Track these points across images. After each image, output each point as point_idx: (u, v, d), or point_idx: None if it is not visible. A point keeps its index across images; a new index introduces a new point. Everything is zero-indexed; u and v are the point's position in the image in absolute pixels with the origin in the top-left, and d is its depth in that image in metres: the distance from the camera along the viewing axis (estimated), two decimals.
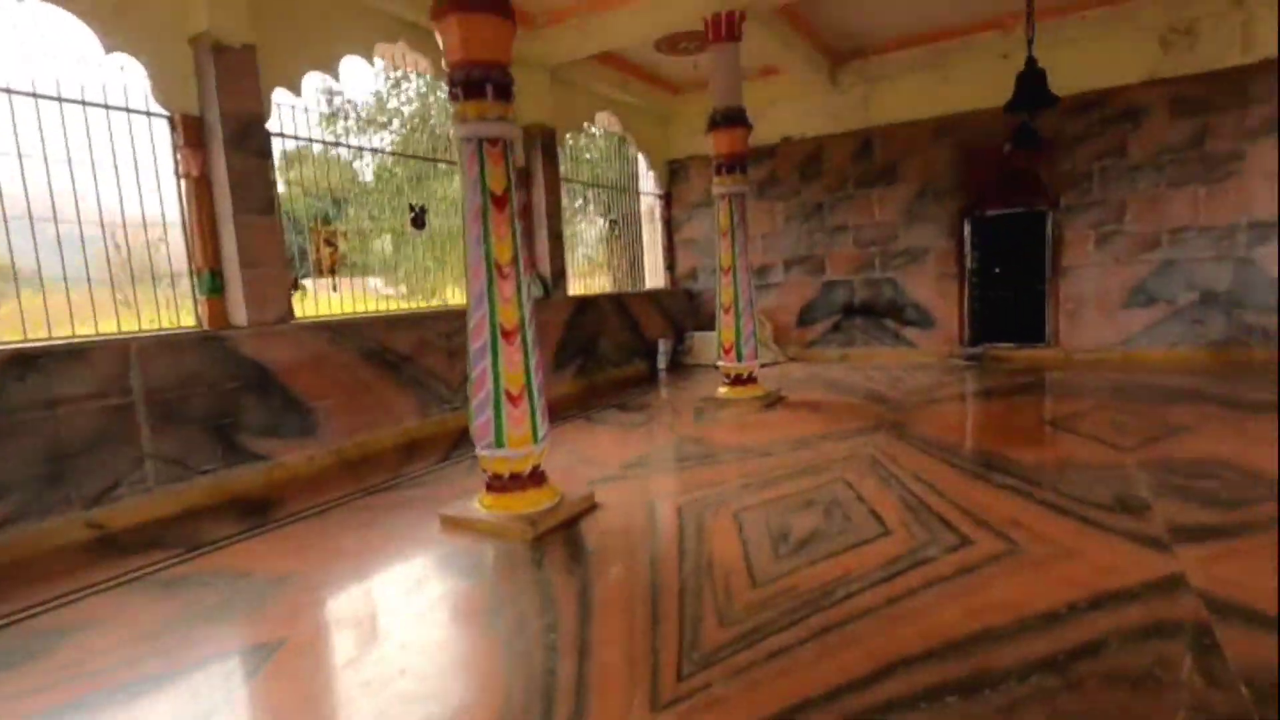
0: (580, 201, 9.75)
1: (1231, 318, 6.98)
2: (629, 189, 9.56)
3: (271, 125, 4.75)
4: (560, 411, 6.41)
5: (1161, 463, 3.78)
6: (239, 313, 4.46)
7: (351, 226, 6.45)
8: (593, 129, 8.76)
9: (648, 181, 9.85)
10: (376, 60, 5.64)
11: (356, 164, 7.39)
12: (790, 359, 9.17)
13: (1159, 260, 7.22)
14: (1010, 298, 8.17)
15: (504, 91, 3.29)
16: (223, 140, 4.29)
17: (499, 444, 3.39)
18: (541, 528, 3.32)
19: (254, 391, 4.42)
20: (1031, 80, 4.48)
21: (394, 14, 5.42)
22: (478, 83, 3.20)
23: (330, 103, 11.42)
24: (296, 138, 4.96)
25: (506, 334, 3.36)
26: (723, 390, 6.39)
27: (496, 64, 3.25)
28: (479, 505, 3.53)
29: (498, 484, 3.50)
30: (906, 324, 8.60)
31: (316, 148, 5.80)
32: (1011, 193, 7.83)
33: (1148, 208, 7.21)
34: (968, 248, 8.21)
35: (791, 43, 7.16)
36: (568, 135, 7.92)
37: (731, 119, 5.99)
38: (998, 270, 8.18)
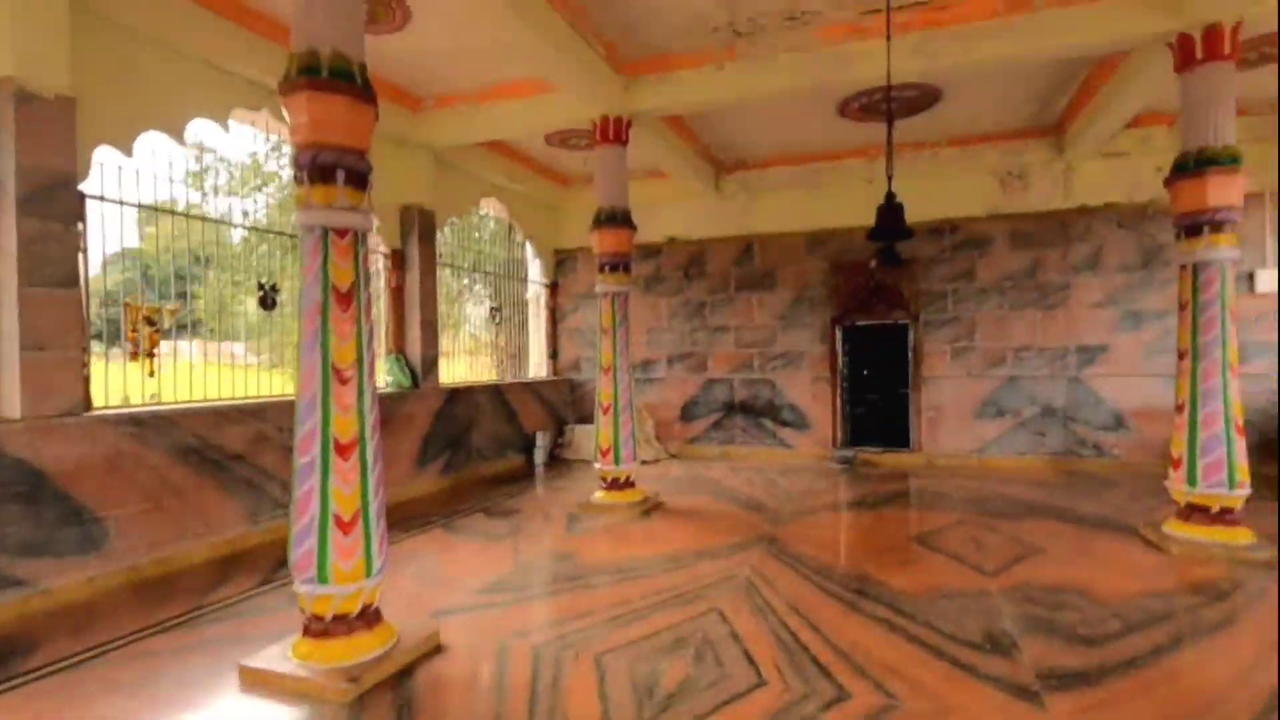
0: (467, 280, 9.40)
1: (1067, 430, 7.60)
2: (515, 275, 9.33)
3: (92, 186, 4.14)
4: (417, 516, 5.79)
5: (1022, 589, 3.82)
6: (10, 403, 3.67)
7: (211, 292, 5.80)
8: (482, 211, 8.55)
9: (535, 268, 9.69)
10: (253, 122, 5.17)
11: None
12: (672, 456, 9.02)
13: (1005, 376, 7.82)
14: (878, 404, 8.55)
15: (358, 179, 2.97)
16: (15, 199, 3.63)
17: (322, 579, 2.85)
18: (366, 683, 2.77)
19: (18, 500, 3.59)
20: (890, 213, 4.74)
21: (255, 80, 5.01)
22: (327, 167, 2.87)
23: (200, 159, 10.57)
24: (119, 201, 4.33)
25: (342, 449, 2.90)
26: (599, 495, 6.05)
27: (352, 149, 2.94)
28: (291, 655, 2.92)
29: (317, 627, 2.92)
30: (784, 425, 8.74)
31: (182, 204, 5.20)
32: (878, 305, 8.32)
33: (995, 327, 7.86)
34: (840, 354, 8.57)
35: (678, 150, 7.39)
36: (450, 219, 7.64)
37: (616, 219, 5.96)
38: (866, 374, 8.56)
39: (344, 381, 2.91)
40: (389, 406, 6.37)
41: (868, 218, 6.91)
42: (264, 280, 5.38)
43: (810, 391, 8.62)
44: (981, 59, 5.06)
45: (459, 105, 6.45)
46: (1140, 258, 7.31)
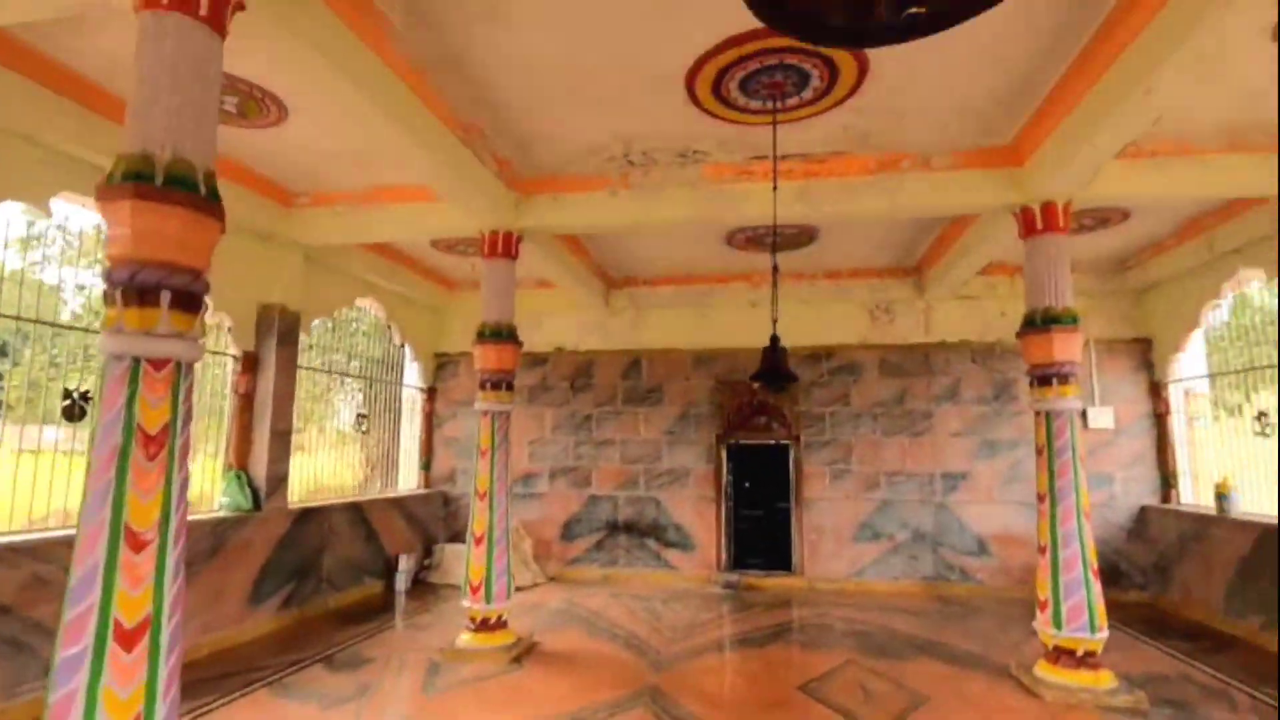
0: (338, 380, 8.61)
1: (936, 555, 7.84)
2: (389, 377, 8.71)
3: None
4: (242, 671, 4.86)
5: None
6: None
7: (24, 370, 4.87)
8: (357, 308, 7.99)
9: (413, 371, 9.11)
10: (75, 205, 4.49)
11: (69, 293, 5.73)
12: (550, 579, 8.41)
13: (880, 499, 8.04)
14: (763, 524, 8.50)
15: (190, 301, 2.53)
16: None
17: None
18: None
19: None
20: (774, 355, 4.84)
21: (90, 161, 4.42)
22: (148, 288, 2.41)
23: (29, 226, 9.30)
24: None
25: (125, 635, 2.28)
26: (465, 638, 5.38)
27: (185, 267, 2.51)
28: None
29: None
30: (668, 545, 8.45)
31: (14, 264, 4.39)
32: (761, 425, 8.44)
33: (869, 451, 8.14)
34: (725, 472, 8.53)
35: (569, 265, 7.33)
36: (318, 319, 7.05)
37: (501, 335, 5.68)
38: (750, 496, 8.54)
39: (139, 548, 2.34)
40: (220, 534, 5.48)
41: (752, 339, 7.16)
42: (73, 387, 4.56)
43: (695, 510, 8.45)
44: (856, 210, 5.42)
45: (337, 204, 6.08)
46: (992, 391, 7.93)
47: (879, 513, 8.02)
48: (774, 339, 4.75)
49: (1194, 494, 7.25)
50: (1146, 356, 7.67)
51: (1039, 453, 5.00)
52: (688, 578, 8.31)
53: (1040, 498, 4.97)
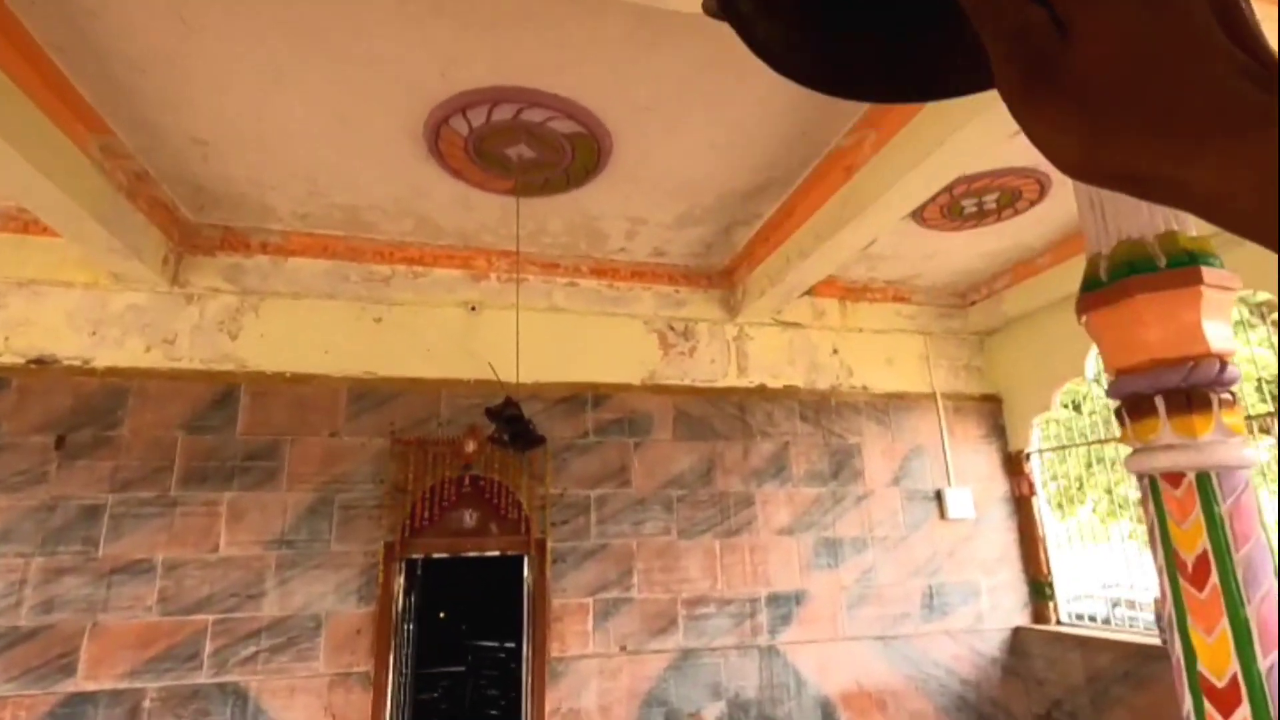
0: None
1: None
2: None
3: None
4: None
5: None
6: None
7: None
8: None
9: None
10: None
11: None
12: None
13: (676, 649, 4.67)
14: (465, 713, 4.47)
15: None
16: None
17: None
18: None
19: None
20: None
21: None
22: None
23: None
24: None
25: None
26: None
27: None
28: None
29: None
30: None
31: None
32: (473, 523, 4.59)
33: (659, 563, 4.80)
34: (401, 620, 4.38)
35: (69, 166, 2.90)
36: None
37: None
38: (449, 637, 4.50)
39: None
40: None
41: (465, 364, 3.78)
42: None
43: (327, 708, 4.08)
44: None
45: None
46: (829, 464, 5.30)
47: (675, 674, 4.61)
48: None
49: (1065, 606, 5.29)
50: (997, 419, 5.81)
51: (1180, 571, 2.11)
52: None
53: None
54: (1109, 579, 5.23)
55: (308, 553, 4.26)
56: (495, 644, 6.14)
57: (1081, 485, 5.53)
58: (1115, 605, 4.99)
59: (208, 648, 3.99)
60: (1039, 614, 5.31)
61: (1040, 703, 5.01)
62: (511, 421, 3.26)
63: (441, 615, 6.75)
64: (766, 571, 4.94)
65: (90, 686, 3.81)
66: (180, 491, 4.17)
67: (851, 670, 4.90)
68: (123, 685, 3.85)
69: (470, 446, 4.55)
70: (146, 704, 3.85)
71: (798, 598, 4.94)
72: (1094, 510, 6.16)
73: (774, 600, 4.90)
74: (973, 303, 5.83)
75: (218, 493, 4.22)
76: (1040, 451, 5.55)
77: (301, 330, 4.60)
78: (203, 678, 3.95)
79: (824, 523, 5.15)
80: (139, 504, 4.10)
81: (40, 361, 4.17)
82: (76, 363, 4.22)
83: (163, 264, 4.26)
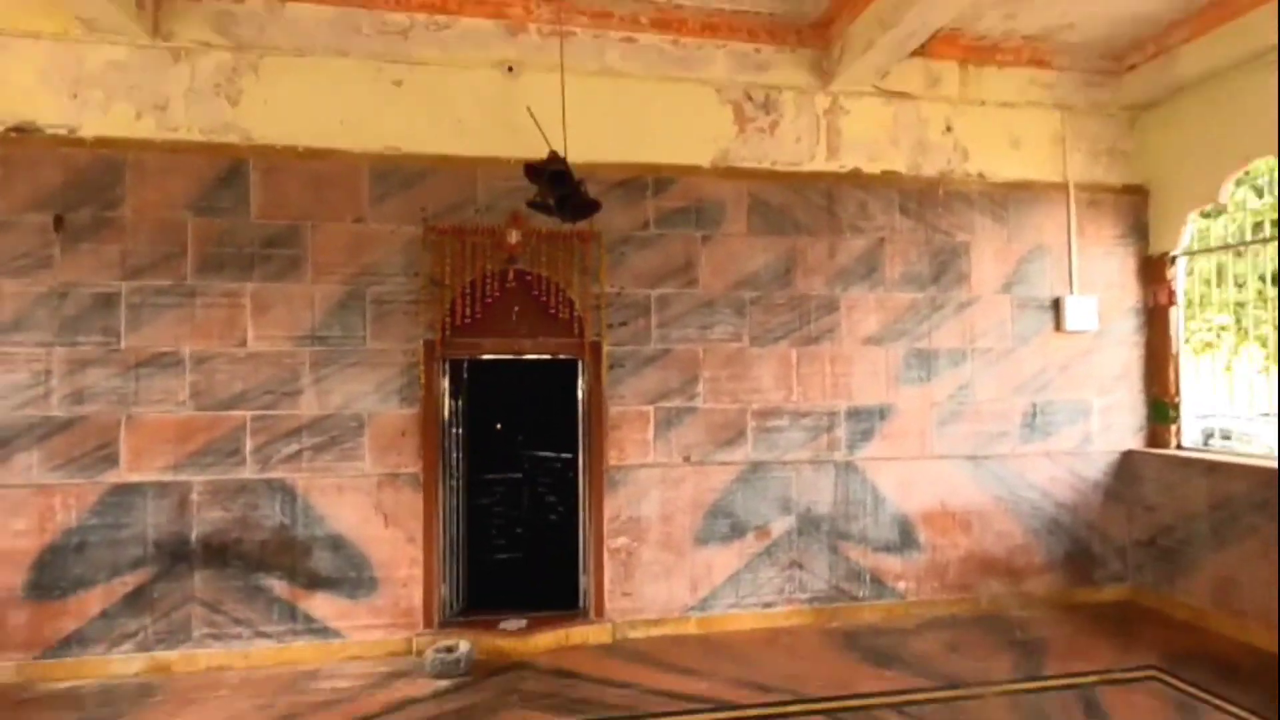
0: None
1: (835, 556, 4.36)
2: None
3: None
4: None
5: None
6: None
7: None
8: None
9: None
10: None
11: None
12: None
13: (744, 463, 4.28)
14: (526, 521, 4.31)
15: None
16: None
17: None
18: None
19: None
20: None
21: None
22: None
23: None
24: None
25: None
26: None
27: None
28: None
29: None
30: (316, 586, 3.82)
31: None
32: (521, 322, 4.09)
33: (728, 370, 4.29)
34: (448, 421, 4.08)
35: None
36: None
37: None
38: (501, 456, 4.27)
39: None
40: None
41: (503, 140, 3.23)
42: None
43: (377, 506, 3.90)
44: None
45: None
46: (931, 265, 4.52)
47: (743, 486, 4.27)
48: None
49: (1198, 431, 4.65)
50: (1140, 216, 4.82)
51: None
52: (362, 648, 3.82)
53: None
54: (1235, 406, 4.53)
55: (342, 350, 3.87)
56: (552, 454, 5.97)
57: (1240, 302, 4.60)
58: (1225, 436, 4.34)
59: (249, 444, 3.77)
60: (1156, 437, 4.69)
61: (1145, 529, 4.55)
62: (557, 181, 2.60)
63: (498, 426, 6.63)
64: (848, 384, 4.39)
65: (134, 478, 3.67)
66: (198, 280, 3.75)
67: (936, 490, 4.47)
68: (167, 478, 3.70)
69: (514, 237, 3.94)
70: (194, 496, 3.72)
71: (882, 412, 4.42)
72: (1234, 326, 5.27)
73: (855, 414, 4.39)
74: (1131, 66, 4.61)
75: (238, 283, 3.78)
76: (1190, 253, 4.61)
77: (311, 95, 3.88)
78: (247, 473, 3.77)
79: (918, 332, 4.48)
80: (155, 293, 3.71)
81: (20, 130, 3.62)
82: (61, 131, 3.65)
83: (138, 7, 3.52)
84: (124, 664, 3.62)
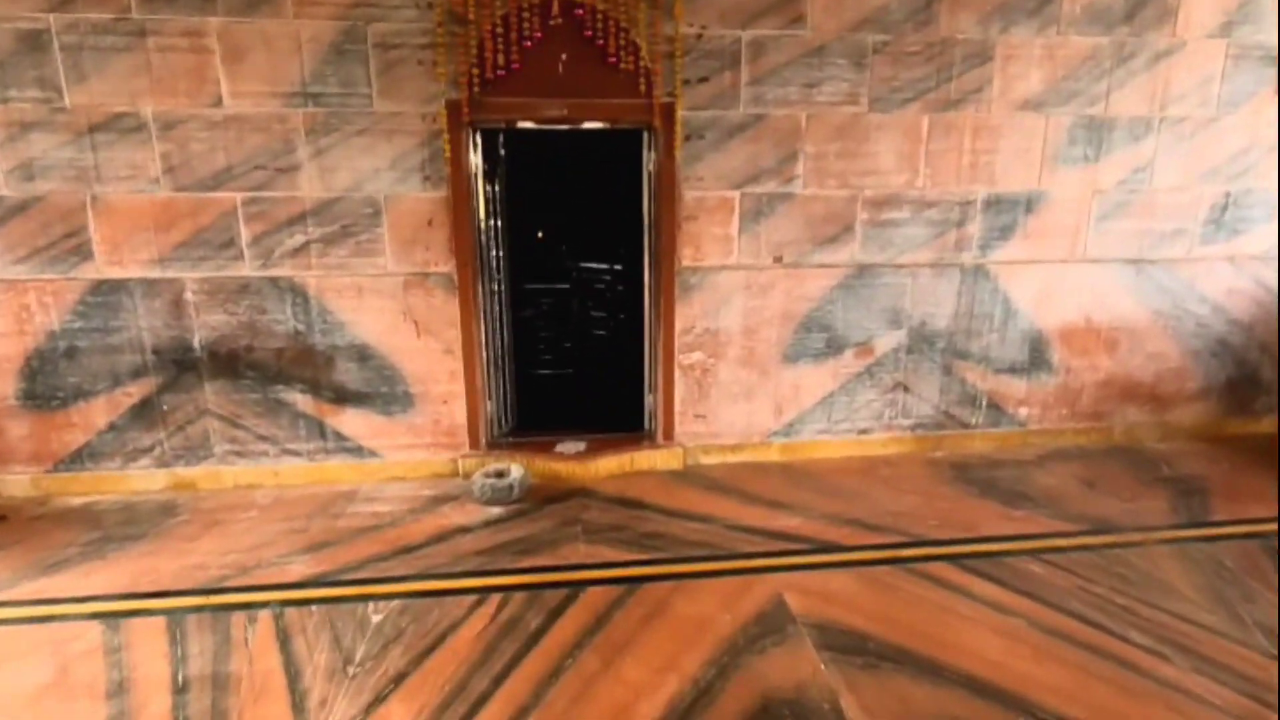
0: None
1: (949, 378, 3.66)
2: None
3: None
4: None
5: None
6: None
7: None
8: None
9: None
10: None
11: None
12: None
13: (848, 266, 3.46)
14: (578, 331, 3.66)
15: None
16: None
17: None
18: None
19: None
20: None
21: None
22: None
23: None
24: None
25: None
26: None
27: None
28: None
29: None
30: (345, 400, 3.31)
31: None
32: (572, 78, 3.12)
33: (837, 145, 3.32)
34: (485, 206, 3.29)
35: None
36: None
37: None
38: (549, 262, 3.56)
39: None
40: None
41: None
42: None
43: (406, 313, 3.26)
44: None
45: None
46: None
47: (845, 294, 3.49)
48: None
49: None
50: None
51: None
52: (401, 473, 3.40)
53: None
54: None
55: (344, 113, 3.01)
56: (604, 265, 5.24)
57: None
58: None
59: (244, 234, 3.08)
60: None
61: None
62: None
63: (540, 235, 5.88)
64: (991, 164, 3.40)
65: (116, 273, 3.05)
66: (145, 14, 2.83)
67: (1081, 301, 3.63)
68: (154, 274, 3.07)
69: None
70: (189, 296, 3.11)
71: (1029, 202, 3.47)
72: None
73: (994, 204, 3.45)
74: None
75: (198, 16, 2.86)
76: None
77: None
78: (247, 270, 3.12)
79: (1093, 93, 3.37)
80: (93, 30, 2.82)
81: None
82: None
83: None
84: (145, 480, 3.27)
